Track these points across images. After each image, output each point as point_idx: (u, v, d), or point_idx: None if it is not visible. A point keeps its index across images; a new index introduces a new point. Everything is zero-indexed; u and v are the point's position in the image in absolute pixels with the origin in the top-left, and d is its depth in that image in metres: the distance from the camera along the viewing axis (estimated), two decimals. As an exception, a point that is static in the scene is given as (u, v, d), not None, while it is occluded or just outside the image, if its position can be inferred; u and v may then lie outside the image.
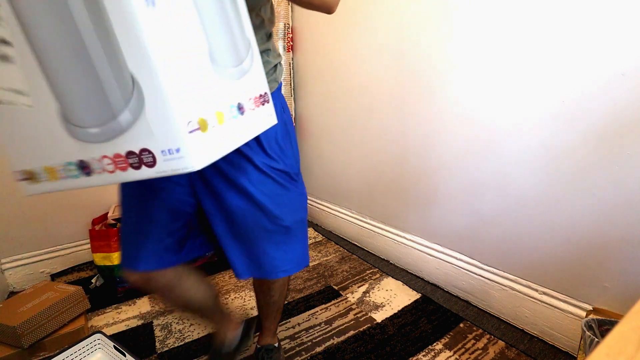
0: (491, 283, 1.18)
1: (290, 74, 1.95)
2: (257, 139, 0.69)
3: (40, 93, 0.40)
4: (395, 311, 1.22)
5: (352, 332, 1.12)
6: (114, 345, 0.97)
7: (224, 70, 0.46)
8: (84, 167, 0.43)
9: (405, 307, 1.25)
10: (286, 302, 1.30)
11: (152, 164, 0.40)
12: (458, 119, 1.18)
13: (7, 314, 1.03)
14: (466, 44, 1.11)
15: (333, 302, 1.29)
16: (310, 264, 1.59)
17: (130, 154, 0.40)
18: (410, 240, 1.48)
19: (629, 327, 0.25)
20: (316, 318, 1.20)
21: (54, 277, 1.55)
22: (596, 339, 0.76)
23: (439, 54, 1.20)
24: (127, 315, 1.27)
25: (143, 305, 1.32)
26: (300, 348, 1.06)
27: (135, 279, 0.72)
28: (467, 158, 1.18)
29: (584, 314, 0.94)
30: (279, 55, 0.77)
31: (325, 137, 1.87)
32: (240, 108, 0.49)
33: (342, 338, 1.10)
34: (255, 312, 1.25)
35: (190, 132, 0.39)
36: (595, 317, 0.84)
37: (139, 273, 0.71)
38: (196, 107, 0.40)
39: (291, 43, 1.91)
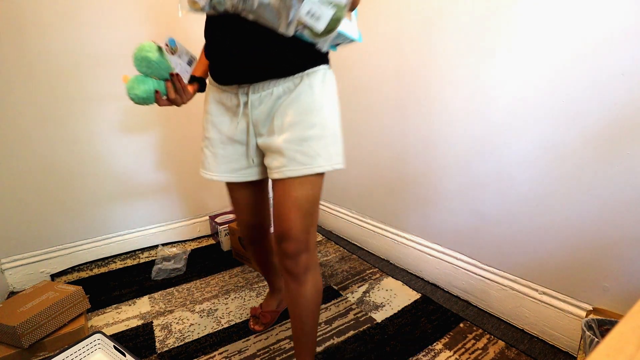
0: (491, 283, 1.18)
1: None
2: None
3: None
4: (395, 311, 1.22)
5: (352, 332, 1.12)
6: (114, 345, 0.97)
7: None
8: None
9: (405, 307, 1.24)
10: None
11: None
12: (458, 119, 1.18)
13: (7, 314, 1.03)
14: (466, 45, 1.11)
15: (333, 302, 1.29)
16: (310, 264, 1.59)
17: None
18: (410, 240, 1.48)
19: (629, 327, 0.25)
20: (316, 318, 1.20)
21: (54, 277, 1.55)
22: (596, 339, 0.76)
23: (438, 55, 1.20)
24: (127, 315, 1.27)
25: (143, 305, 1.32)
26: (300, 348, 1.06)
27: None
28: (467, 158, 1.18)
29: (584, 314, 0.94)
30: None
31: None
32: None
33: (342, 338, 1.10)
34: (255, 312, 1.25)
35: None
36: (595, 317, 0.84)
37: None
38: None
39: (291, 43, 1.91)
